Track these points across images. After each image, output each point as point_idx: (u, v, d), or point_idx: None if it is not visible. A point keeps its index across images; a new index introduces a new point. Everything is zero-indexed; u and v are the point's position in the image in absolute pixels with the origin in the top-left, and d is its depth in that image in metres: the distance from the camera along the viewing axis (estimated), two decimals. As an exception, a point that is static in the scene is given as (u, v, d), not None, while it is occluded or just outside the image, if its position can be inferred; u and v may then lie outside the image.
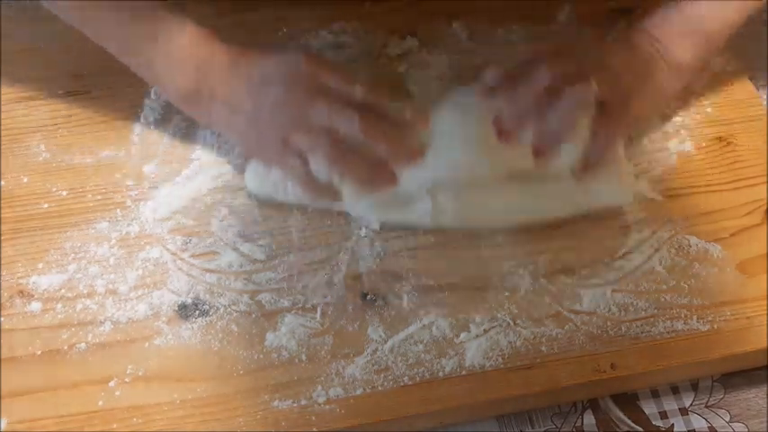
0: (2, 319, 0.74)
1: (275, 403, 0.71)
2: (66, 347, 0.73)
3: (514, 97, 0.76)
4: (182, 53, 0.78)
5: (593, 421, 0.74)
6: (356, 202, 0.79)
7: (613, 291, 0.77)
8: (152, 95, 0.88)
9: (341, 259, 0.79)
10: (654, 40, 0.80)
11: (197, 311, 0.75)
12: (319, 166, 0.76)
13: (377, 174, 0.76)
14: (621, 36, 0.83)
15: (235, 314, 0.75)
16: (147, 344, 0.74)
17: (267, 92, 0.77)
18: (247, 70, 0.78)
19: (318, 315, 0.76)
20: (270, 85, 0.77)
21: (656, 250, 0.80)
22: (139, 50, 0.79)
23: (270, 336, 0.74)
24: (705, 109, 0.89)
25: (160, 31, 0.77)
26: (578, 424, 0.74)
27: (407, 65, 0.91)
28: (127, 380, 0.72)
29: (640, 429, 0.74)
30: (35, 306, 0.75)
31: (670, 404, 0.76)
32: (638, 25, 0.81)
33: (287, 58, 0.78)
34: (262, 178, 0.81)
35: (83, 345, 0.73)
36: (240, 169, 0.83)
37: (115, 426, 0.70)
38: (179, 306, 0.76)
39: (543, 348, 0.74)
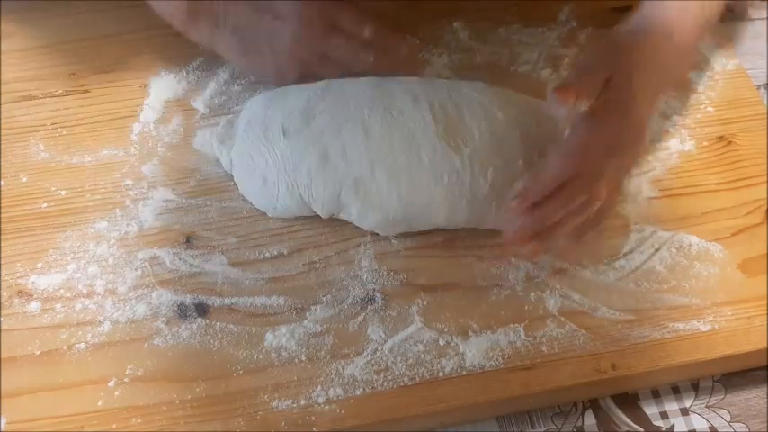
0: (1, 318, 0.74)
1: (275, 403, 0.71)
2: (65, 347, 0.73)
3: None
4: None
5: (594, 421, 0.74)
6: (364, 220, 0.79)
7: (614, 291, 0.77)
8: (152, 95, 0.87)
9: (341, 259, 0.79)
10: (658, 26, 0.78)
11: (196, 311, 0.75)
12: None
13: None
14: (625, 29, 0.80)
15: (234, 314, 0.75)
16: (146, 344, 0.73)
17: (283, 30, 0.82)
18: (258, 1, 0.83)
19: (318, 315, 0.75)
20: (285, 22, 0.82)
21: (657, 250, 0.80)
22: None
23: (269, 336, 0.74)
24: (705, 109, 0.89)
25: None
26: (579, 424, 0.74)
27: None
28: (126, 380, 0.72)
29: (641, 429, 0.74)
30: (34, 306, 0.75)
31: (671, 404, 0.75)
32: (638, 14, 0.80)
33: None
34: (256, 192, 0.80)
35: (82, 345, 0.73)
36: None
37: (114, 426, 0.70)
38: (178, 306, 0.76)
39: (543, 348, 0.74)
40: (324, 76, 0.83)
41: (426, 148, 0.77)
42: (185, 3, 0.83)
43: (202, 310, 0.75)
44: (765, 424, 0.74)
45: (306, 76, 0.84)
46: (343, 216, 0.79)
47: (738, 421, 0.75)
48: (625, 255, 0.80)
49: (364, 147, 0.77)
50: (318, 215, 0.79)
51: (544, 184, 0.73)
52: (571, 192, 0.73)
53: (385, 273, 0.78)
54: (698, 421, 0.75)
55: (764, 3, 1.00)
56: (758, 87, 0.92)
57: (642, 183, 0.84)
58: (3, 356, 0.72)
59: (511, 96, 0.83)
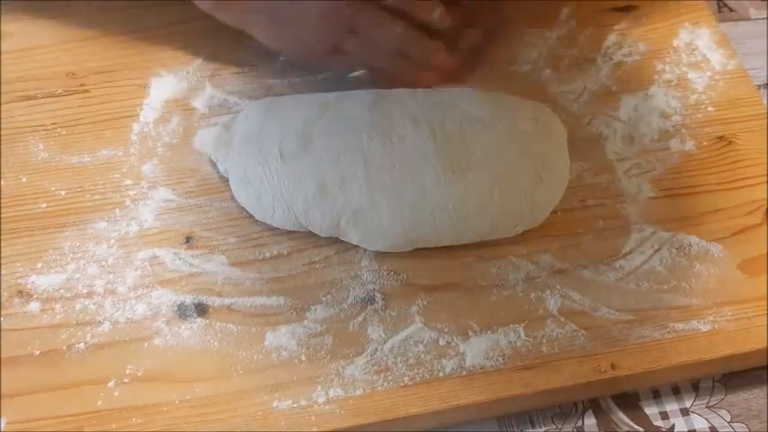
0: (1, 318, 0.74)
1: (275, 403, 0.71)
2: (65, 347, 0.73)
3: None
4: None
5: (594, 421, 0.74)
6: (367, 245, 0.78)
7: (614, 291, 0.77)
8: (152, 95, 0.87)
9: (340, 259, 0.79)
10: None
11: (196, 311, 0.75)
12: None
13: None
14: None
15: (234, 314, 0.75)
16: (146, 344, 0.73)
17: (311, 4, 0.81)
18: None
19: (318, 315, 0.75)
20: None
21: (657, 250, 0.80)
22: None
23: (269, 336, 0.74)
24: (705, 109, 0.89)
25: None
26: (579, 424, 0.74)
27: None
28: (126, 380, 0.72)
29: (641, 430, 0.74)
30: (34, 306, 0.75)
31: (671, 404, 0.75)
32: None
33: None
34: (251, 206, 0.79)
35: (82, 345, 0.73)
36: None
37: (114, 426, 0.70)
38: (178, 306, 0.75)
39: (543, 348, 0.74)
40: (353, 54, 0.83)
41: (430, 177, 0.76)
42: None
43: (202, 310, 0.75)
44: (765, 424, 0.74)
45: (334, 54, 0.83)
46: (344, 239, 0.79)
47: (738, 421, 0.75)
48: (625, 255, 0.80)
49: (364, 177, 0.76)
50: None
51: None
52: None
53: (385, 273, 0.78)
54: (698, 421, 0.75)
55: (764, 3, 1.00)
56: (758, 87, 0.92)
57: (642, 183, 0.84)
58: (3, 356, 0.72)
59: (505, 103, 0.82)
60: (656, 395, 0.76)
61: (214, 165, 0.82)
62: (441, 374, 0.73)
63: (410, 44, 0.83)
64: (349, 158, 0.77)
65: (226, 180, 0.82)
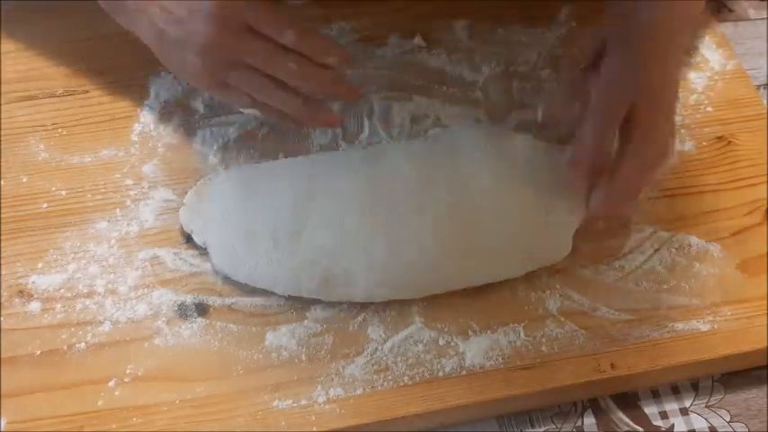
0: (1, 318, 0.74)
1: (275, 403, 0.71)
2: (65, 347, 0.73)
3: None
4: None
5: (594, 421, 0.74)
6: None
7: (614, 290, 0.77)
8: (152, 95, 0.87)
9: (341, 259, 0.79)
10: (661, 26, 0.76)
11: (197, 311, 0.75)
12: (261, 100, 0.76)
13: (318, 111, 0.77)
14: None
15: (235, 314, 0.75)
16: (146, 344, 0.74)
17: (195, 29, 0.73)
18: None
19: (318, 315, 0.75)
20: (198, 20, 0.72)
21: (656, 250, 0.80)
22: None
23: (270, 335, 0.74)
24: (705, 109, 0.89)
25: None
26: (578, 424, 0.74)
27: (407, 65, 0.91)
28: (126, 380, 0.72)
29: (641, 429, 0.74)
30: (34, 306, 0.75)
31: (670, 404, 0.75)
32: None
33: None
34: (231, 261, 0.76)
35: (82, 345, 0.73)
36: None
37: (114, 426, 0.70)
38: (178, 306, 0.76)
39: (543, 348, 0.74)
40: (241, 87, 0.75)
41: (440, 268, 0.74)
42: None
43: (203, 309, 0.76)
44: (765, 424, 0.74)
45: (222, 86, 0.76)
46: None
47: (738, 421, 0.75)
48: (625, 255, 0.80)
49: (372, 274, 0.73)
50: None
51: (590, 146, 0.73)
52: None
53: (385, 272, 0.78)
54: (697, 421, 0.75)
55: (764, 3, 1.00)
56: (758, 87, 0.92)
57: (642, 183, 0.84)
58: (3, 356, 0.72)
59: (516, 148, 0.79)
60: (656, 395, 0.76)
61: (188, 237, 0.79)
62: (440, 374, 0.73)
63: (303, 81, 0.74)
64: (352, 254, 0.73)
65: (226, 180, 0.82)
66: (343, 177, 0.77)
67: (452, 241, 0.74)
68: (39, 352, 0.73)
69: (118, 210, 0.80)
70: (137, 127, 0.86)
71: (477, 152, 0.78)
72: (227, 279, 0.77)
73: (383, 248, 0.74)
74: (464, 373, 0.73)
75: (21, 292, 0.76)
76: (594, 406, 0.75)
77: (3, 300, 0.75)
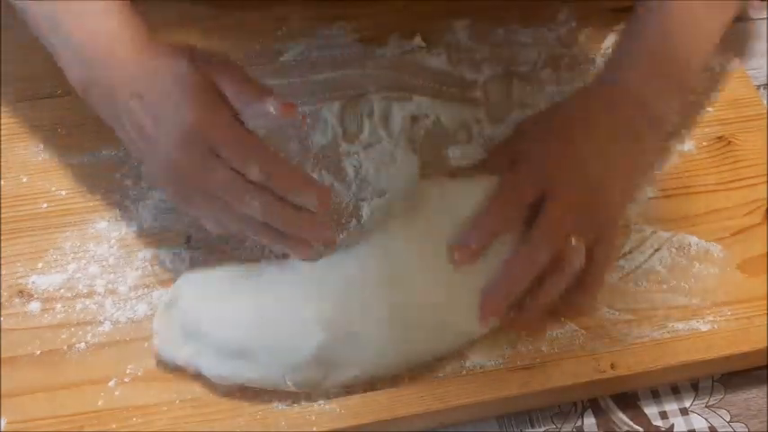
0: (1, 318, 0.74)
1: (275, 403, 0.71)
2: (65, 347, 0.73)
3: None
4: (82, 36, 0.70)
5: (594, 421, 0.74)
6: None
7: (614, 290, 0.77)
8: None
9: (341, 259, 0.79)
10: (633, 98, 0.76)
11: (197, 311, 0.75)
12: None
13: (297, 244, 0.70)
14: (595, 95, 0.78)
15: (234, 314, 0.75)
16: (146, 344, 0.73)
17: (156, 149, 0.69)
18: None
19: (318, 315, 0.75)
20: (161, 136, 0.68)
21: (656, 250, 0.80)
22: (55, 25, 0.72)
23: (270, 335, 0.74)
24: (705, 109, 0.89)
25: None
26: (578, 424, 0.74)
27: (407, 65, 0.91)
28: (126, 380, 0.72)
29: (640, 429, 0.74)
30: (35, 306, 0.75)
31: (670, 404, 0.75)
32: (609, 76, 0.78)
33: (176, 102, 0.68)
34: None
35: (82, 344, 0.73)
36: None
37: (115, 426, 0.70)
38: (179, 306, 0.76)
39: (543, 348, 0.74)
40: (207, 216, 0.71)
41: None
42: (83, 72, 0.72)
43: (202, 310, 0.75)
44: (765, 424, 0.74)
45: (192, 204, 0.71)
46: None
47: (738, 421, 0.75)
48: (625, 255, 0.79)
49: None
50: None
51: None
52: (535, 251, 0.70)
53: (385, 272, 0.78)
54: (697, 421, 0.75)
55: (764, 3, 1.00)
56: (758, 87, 0.92)
57: (641, 183, 0.84)
58: (3, 356, 0.72)
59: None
60: (656, 395, 0.76)
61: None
62: (440, 374, 0.73)
63: (270, 220, 0.68)
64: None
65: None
66: (296, 297, 0.71)
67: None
68: (39, 352, 0.73)
69: (118, 210, 0.80)
70: (137, 127, 0.86)
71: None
72: (227, 279, 0.77)
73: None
74: (464, 373, 0.73)
75: (21, 292, 0.76)
76: (594, 406, 0.75)
77: (3, 300, 0.75)
